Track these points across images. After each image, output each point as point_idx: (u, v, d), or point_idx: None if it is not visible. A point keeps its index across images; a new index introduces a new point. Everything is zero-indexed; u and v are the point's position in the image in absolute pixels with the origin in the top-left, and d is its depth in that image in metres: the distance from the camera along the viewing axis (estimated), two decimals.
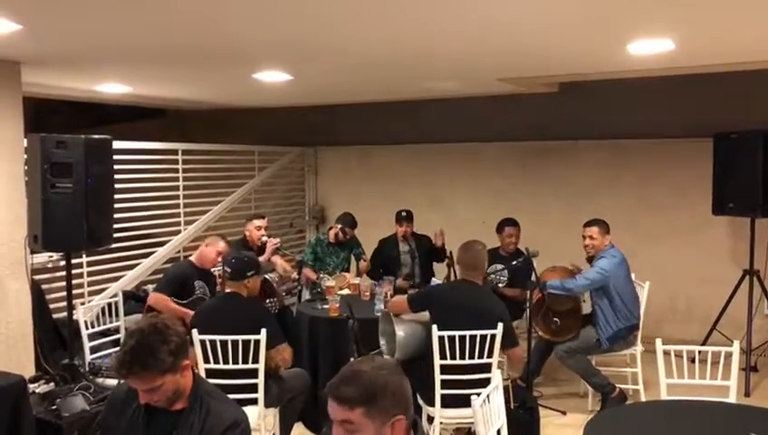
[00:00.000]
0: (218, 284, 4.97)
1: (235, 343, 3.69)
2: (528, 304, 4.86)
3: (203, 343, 3.70)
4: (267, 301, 4.79)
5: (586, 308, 5.00)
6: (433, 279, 5.55)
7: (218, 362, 3.71)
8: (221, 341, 3.69)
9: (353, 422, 1.76)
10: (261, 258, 5.10)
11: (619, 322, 4.68)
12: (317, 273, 5.73)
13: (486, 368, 3.78)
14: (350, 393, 1.76)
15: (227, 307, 3.94)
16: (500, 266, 5.49)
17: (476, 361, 3.76)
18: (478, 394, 2.80)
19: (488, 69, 4.99)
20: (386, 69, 4.91)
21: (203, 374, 3.65)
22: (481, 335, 3.75)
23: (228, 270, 3.98)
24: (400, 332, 4.02)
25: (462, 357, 3.75)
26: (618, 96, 6.42)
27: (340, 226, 5.87)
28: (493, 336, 3.77)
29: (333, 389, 1.82)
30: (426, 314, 4.05)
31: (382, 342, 4.07)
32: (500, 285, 5.48)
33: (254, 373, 3.72)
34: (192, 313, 4.16)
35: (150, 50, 4.13)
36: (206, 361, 3.73)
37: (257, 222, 5.56)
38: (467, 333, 3.73)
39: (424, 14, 3.21)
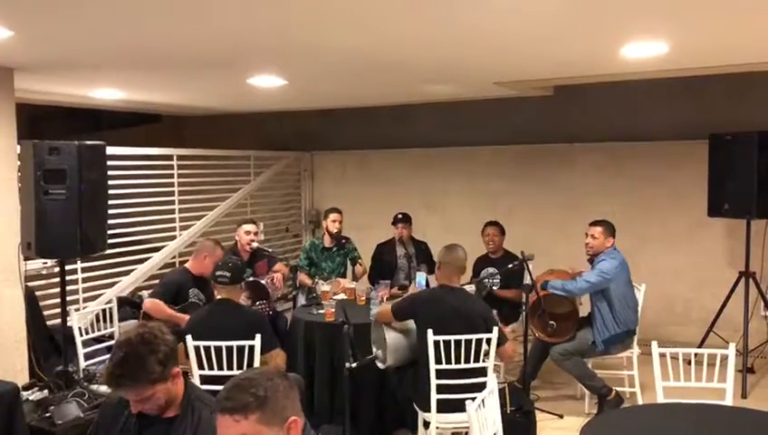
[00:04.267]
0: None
1: (229, 349, 3.68)
2: (524, 308, 4.84)
3: (197, 349, 3.68)
4: (258, 303, 4.80)
5: (582, 311, 4.99)
6: (418, 274, 5.45)
7: (213, 369, 3.70)
8: (215, 347, 3.68)
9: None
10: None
11: (617, 327, 4.66)
12: (312, 278, 5.70)
13: (482, 372, 3.77)
14: (242, 400, 1.69)
15: (223, 314, 3.92)
16: (492, 270, 5.49)
17: (472, 365, 3.75)
18: (474, 399, 2.79)
19: (484, 73, 5.00)
20: (381, 73, 4.91)
21: (197, 381, 3.65)
22: (476, 339, 3.73)
23: (227, 274, 3.95)
24: (390, 337, 3.99)
25: (457, 361, 3.74)
26: (613, 99, 6.44)
27: (333, 214, 5.82)
28: (488, 340, 3.76)
29: (223, 401, 1.72)
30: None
31: (374, 349, 4.04)
32: (494, 287, 5.47)
33: None
34: (188, 317, 4.14)
35: (143, 56, 4.13)
36: (201, 367, 3.71)
37: (247, 227, 5.46)
38: (462, 337, 3.71)
39: (420, 19, 3.20)
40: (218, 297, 4.02)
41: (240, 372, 3.60)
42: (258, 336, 3.70)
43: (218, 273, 3.99)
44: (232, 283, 3.95)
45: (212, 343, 3.68)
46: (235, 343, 3.68)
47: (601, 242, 4.77)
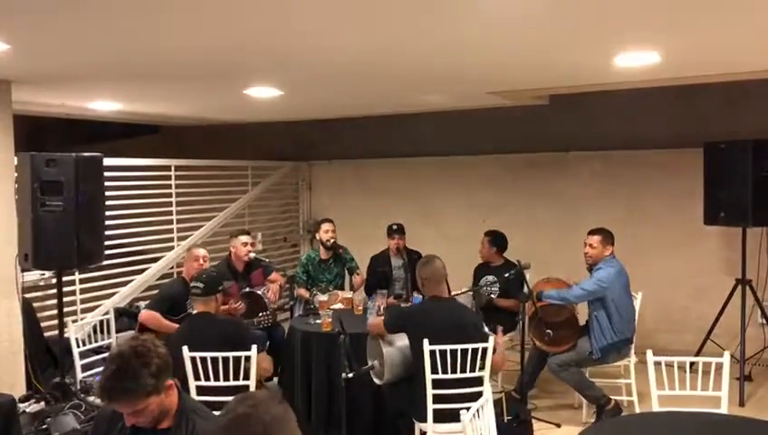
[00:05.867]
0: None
1: (225, 359, 3.68)
2: (521, 316, 4.85)
3: (193, 360, 3.68)
4: (261, 314, 4.80)
5: (581, 320, 4.99)
6: (414, 293, 5.42)
7: (209, 380, 3.69)
8: (212, 358, 3.67)
9: None
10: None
11: (615, 335, 4.66)
12: (310, 291, 5.69)
13: (478, 381, 3.77)
14: None
15: (202, 327, 3.88)
16: (491, 278, 5.49)
17: (468, 374, 3.75)
18: (468, 408, 2.79)
19: (477, 82, 5.02)
20: (374, 83, 4.94)
21: (193, 392, 3.65)
22: (472, 349, 3.74)
23: (200, 286, 3.91)
24: (387, 352, 3.98)
25: (453, 371, 3.74)
26: (608, 107, 6.46)
27: (325, 225, 5.80)
28: (484, 350, 3.77)
29: None
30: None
31: (371, 362, 4.04)
32: (493, 296, 5.48)
33: (241, 390, 3.69)
34: None
35: (140, 68, 4.15)
36: (197, 378, 3.71)
37: (244, 238, 5.44)
38: (458, 347, 3.72)
39: (412, 29, 3.23)
40: (195, 311, 3.97)
41: (231, 382, 3.64)
42: (254, 347, 3.70)
43: (192, 284, 3.96)
44: (205, 294, 3.90)
45: (208, 354, 3.67)
46: (231, 354, 3.67)
47: (600, 251, 4.76)
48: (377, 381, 4.04)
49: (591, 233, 4.83)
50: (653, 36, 3.48)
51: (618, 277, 4.70)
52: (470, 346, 3.73)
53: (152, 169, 6.34)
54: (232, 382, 3.67)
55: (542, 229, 6.87)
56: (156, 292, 5.71)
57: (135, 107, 6.23)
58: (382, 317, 4.08)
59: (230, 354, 3.67)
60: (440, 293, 3.99)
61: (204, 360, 3.68)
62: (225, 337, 3.77)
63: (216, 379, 3.68)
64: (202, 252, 4.98)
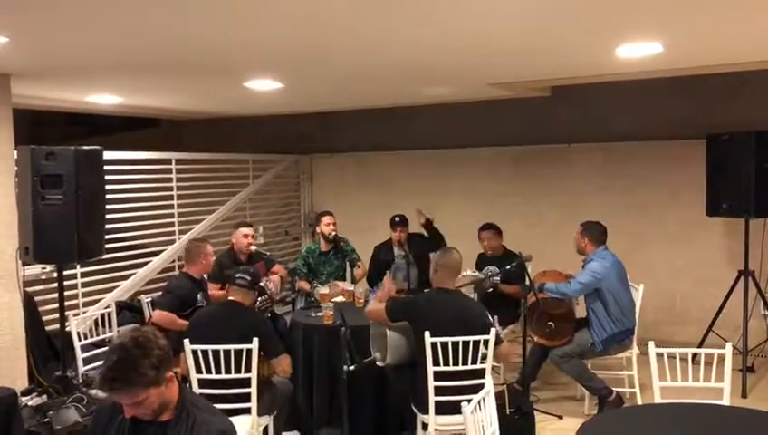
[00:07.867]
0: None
1: (227, 352, 3.67)
2: (523, 308, 4.84)
3: (195, 352, 3.68)
4: (260, 299, 4.81)
5: (579, 312, 4.99)
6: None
7: (211, 372, 3.69)
8: (213, 350, 3.67)
9: None
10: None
11: (614, 326, 4.66)
12: (311, 283, 5.68)
13: (480, 374, 3.77)
14: None
15: (230, 315, 3.94)
16: (493, 268, 5.48)
17: (470, 367, 3.75)
18: (470, 400, 2.79)
19: (478, 74, 5.00)
20: (375, 76, 4.92)
21: (195, 384, 3.65)
22: (474, 341, 3.73)
23: (248, 278, 4.01)
24: (390, 335, 3.97)
25: (455, 364, 3.73)
26: (610, 99, 6.43)
27: (326, 218, 5.79)
28: (485, 342, 3.76)
29: None
30: None
31: (373, 351, 4.03)
32: (496, 280, 5.45)
33: (247, 382, 3.70)
34: None
35: (140, 61, 4.14)
36: (199, 371, 3.71)
37: (244, 230, 5.46)
38: (460, 339, 3.71)
39: (413, 22, 3.21)
40: (230, 298, 4.03)
41: (233, 374, 3.65)
42: (256, 340, 3.69)
43: (239, 275, 4.03)
44: (250, 286, 4.01)
45: (209, 347, 3.67)
46: (232, 347, 3.66)
47: (577, 241, 4.85)
48: (379, 363, 4.03)
49: (581, 224, 4.91)
50: (656, 26, 3.45)
51: (612, 268, 4.71)
52: (472, 338, 3.72)
53: (153, 163, 6.33)
54: (233, 375, 3.67)
55: (543, 221, 6.86)
56: (159, 286, 5.74)
57: (135, 100, 6.21)
58: (383, 304, 4.05)
59: (245, 347, 3.68)
60: (448, 285, 3.98)
61: (209, 353, 3.68)
62: (253, 330, 3.79)
63: (218, 371, 3.67)
64: (210, 248, 5.00)
